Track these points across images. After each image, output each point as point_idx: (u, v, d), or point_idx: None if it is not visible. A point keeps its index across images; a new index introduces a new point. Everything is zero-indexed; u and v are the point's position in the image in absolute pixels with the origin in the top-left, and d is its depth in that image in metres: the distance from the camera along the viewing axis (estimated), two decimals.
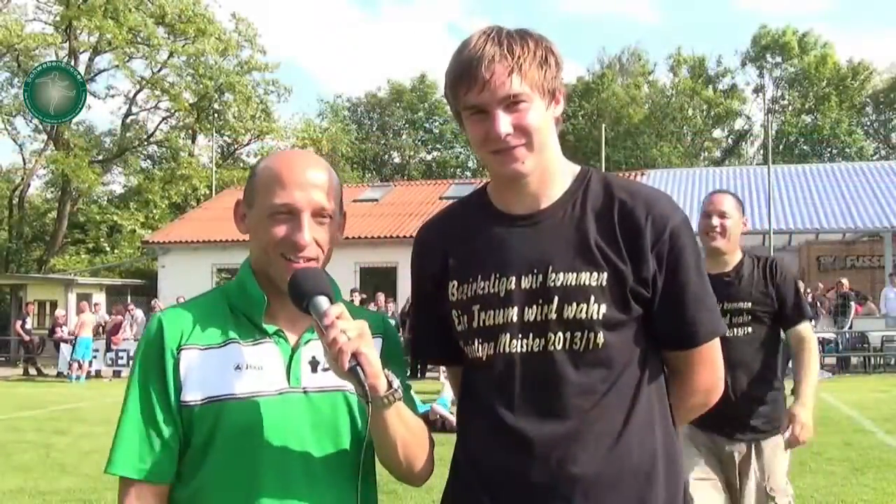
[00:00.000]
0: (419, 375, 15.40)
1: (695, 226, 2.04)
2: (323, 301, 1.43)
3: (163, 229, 29.28)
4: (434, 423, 8.68)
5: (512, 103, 1.50)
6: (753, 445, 3.31)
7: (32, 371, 21.03)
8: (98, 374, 20.08)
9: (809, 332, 3.44)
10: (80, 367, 19.18)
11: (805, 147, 45.24)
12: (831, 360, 17.70)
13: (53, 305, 25.23)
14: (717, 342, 1.64)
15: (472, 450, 1.61)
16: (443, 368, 1.78)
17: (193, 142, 41.45)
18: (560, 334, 1.53)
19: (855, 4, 74.34)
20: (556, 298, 1.53)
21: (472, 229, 1.65)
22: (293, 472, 1.49)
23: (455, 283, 1.62)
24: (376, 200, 26.15)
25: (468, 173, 45.95)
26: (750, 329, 3.27)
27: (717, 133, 49.43)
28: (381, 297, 18.71)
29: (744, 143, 49.48)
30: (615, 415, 1.53)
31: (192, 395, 1.50)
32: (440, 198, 24.95)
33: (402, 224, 23.46)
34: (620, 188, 1.60)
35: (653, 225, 1.55)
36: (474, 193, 1.73)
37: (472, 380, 1.63)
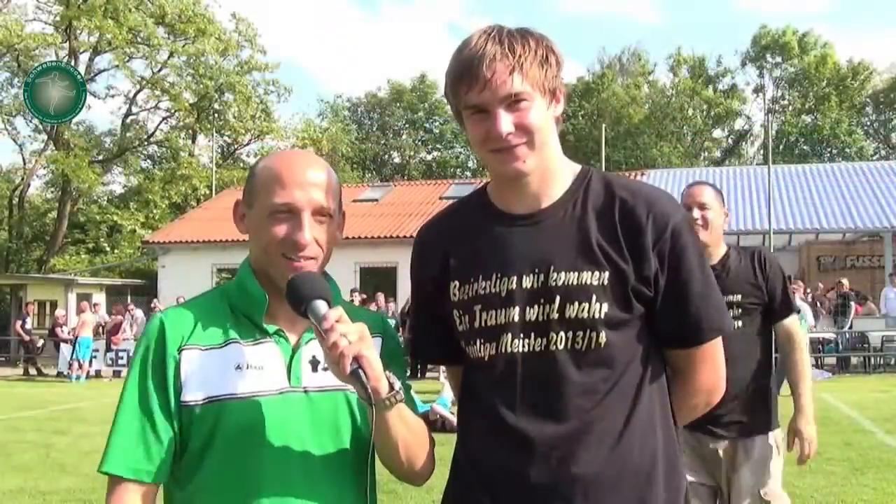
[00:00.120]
0: (419, 375, 15.41)
1: None
2: (321, 305, 1.43)
3: (163, 229, 29.28)
4: (434, 423, 8.68)
5: (513, 102, 1.50)
6: (741, 444, 3.20)
7: (32, 371, 21.03)
8: (98, 374, 20.09)
9: (797, 327, 3.38)
10: (80, 367, 19.19)
11: (805, 147, 45.23)
12: (831, 360, 17.70)
13: (53, 305, 25.23)
14: (719, 341, 1.64)
15: (472, 450, 1.61)
16: (443, 368, 1.78)
17: (193, 142, 41.46)
18: (562, 334, 1.53)
19: (855, 4, 74.42)
20: (557, 298, 1.53)
21: (473, 229, 1.65)
22: (293, 471, 1.48)
23: (456, 283, 1.62)
24: (376, 200, 26.15)
25: (468, 173, 45.95)
26: (740, 323, 3.17)
27: (717, 133, 49.44)
28: (381, 297, 18.70)
29: (744, 143, 49.50)
30: (616, 415, 1.53)
31: (192, 396, 1.50)
32: (440, 198, 24.95)
33: (402, 224, 23.45)
34: (621, 187, 1.60)
35: (654, 223, 1.54)
36: (474, 193, 1.72)
37: (473, 380, 1.63)
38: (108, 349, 20.29)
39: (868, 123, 48.35)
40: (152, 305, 21.40)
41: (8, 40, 33.66)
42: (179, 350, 1.52)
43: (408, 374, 1.72)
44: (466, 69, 1.50)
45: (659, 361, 1.62)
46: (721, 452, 3.22)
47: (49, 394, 16.00)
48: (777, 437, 3.28)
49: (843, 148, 44.28)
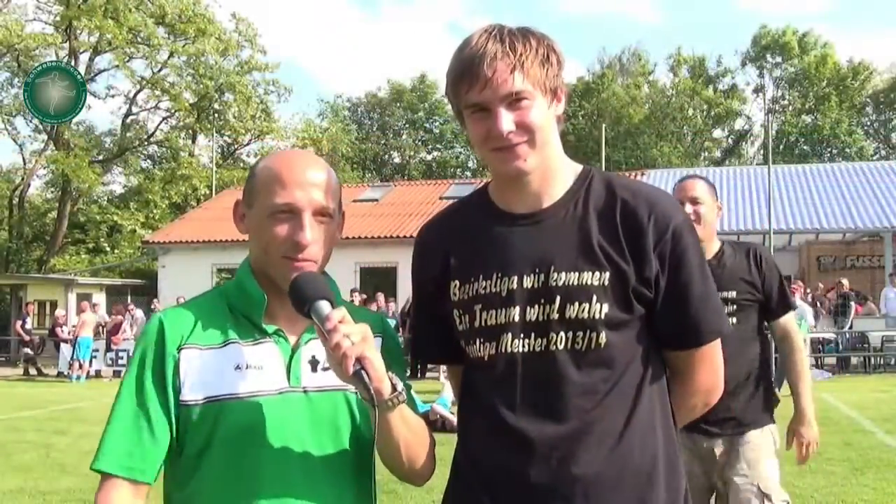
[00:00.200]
0: (419, 375, 15.40)
1: None
2: (325, 305, 1.43)
3: (163, 229, 29.28)
4: (434, 423, 8.68)
5: (514, 101, 1.50)
6: (736, 440, 3.14)
7: (32, 371, 21.02)
8: (98, 374, 20.09)
9: (794, 324, 3.33)
10: (80, 367, 19.19)
11: (805, 147, 45.24)
12: (831, 360, 17.71)
13: (53, 305, 25.25)
14: (717, 343, 1.64)
15: (472, 450, 1.61)
16: (443, 368, 1.78)
17: (193, 142, 41.47)
18: (562, 334, 1.52)
19: (855, 4, 74.42)
20: (558, 298, 1.52)
21: (474, 229, 1.64)
22: (293, 471, 1.48)
23: (457, 282, 1.62)
24: (376, 200, 26.15)
25: (468, 173, 45.96)
26: (735, 320, 3.10)
27: (717, 133, 49.43)
28: (381, 297, 18.70)
29: (744, 143, 49.50)
30: (616, 415, 1.53)
31: (191, 395, 1.49)
32: (440, 198, 24.95)
33: (402, 224, 23.45)
34: (623, 187, 1.60)
35: (655, 224, 1.54)
36: (475, 193, 1.72)
37: (473, 379, 1.63)
38: (108, 349, 20.29)
39: (868, 123, 48.35)
40: (152, 306, 21.40)
41: (8, 40, 33.66)
42: (179, 349, 1.51)
43: (408, 374, 1.71)
44: (467, 68, 1.50)
45: (659, 362, 1.61)
46: (717, 451, 3.17)
47: (49, 394, 16.00)
48: (773, 431, 3.23)
49: (843, 148, 44.28)
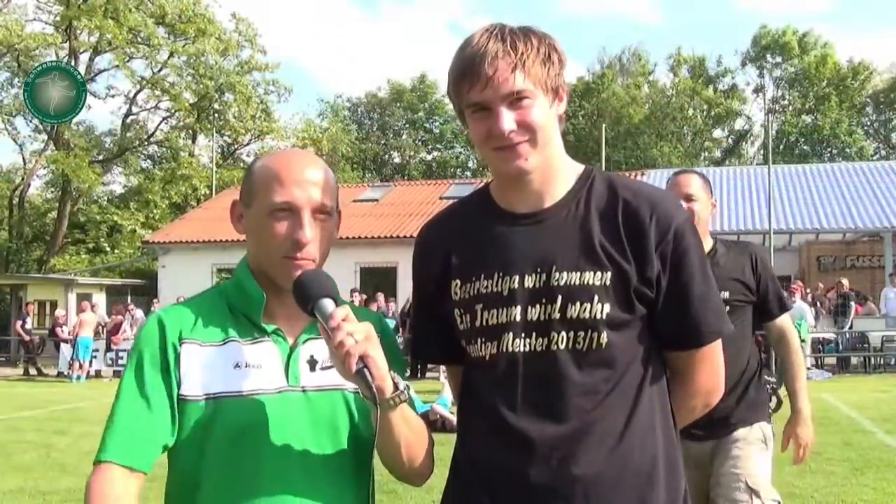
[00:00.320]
0: (419, 375, 15.40)
1: None
2: (329, 304, 1.43)
3: (163, 229, 29.28)
4: (434, 423, 8.67)
5: (515, 100, 1.49)
6: (725, 440, 3.08)
7: (32, 371, 21.04)
8: (98, 374, 20.09)
9: (790, 324, 3.30)
10: (80, 367, 19.18)
11: (805, 147, 45.24)
12: (831, 360, 17.71)
13: (53, 305, 25.24)
14: (718, 344, 1.64)
15: (472, 450, 1.60)
16: (443, 368, 1.77)
17: (193, 142, 41.48)
18: (563, 334, 1.52)
19: (855, 4, 74.42)
20: (559, 298, 1.52)
21: (475, 228, 1.64)
22: (292, 470, 1.48)
23: (458, 281, 1.62)
24: (376, 200, 26.16)
25: (468, 173, 45.97)
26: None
27: (717, 133, 49.44)
28: (381, 297, 18.70)
29: (744, 143, 49.50)
30: (617, 415, 1.52)
31: (191, 391, 1.49)
32: (440, 198, 24.96)
33: (402, 224, 23.46)
34: (624, 187, 1.59)
35: (657, 224, 1.54)
36: (476, 193, 1.72)
37: (474, 379, 1.62)
38: (108, 349, 20.29)
39: (868, 123, 48.35)
40: (152, 306, 21.40)
41: (8, 40, 33.66)
42: (180, 342, 1.51)
43: (407, 373, 1.72)
44: (468, 67, 1.50)
45: (660, 363, 1.61)
46: (709, 451, 3.12)
47: (49, 394, 16.01)
48: (764, 428, 3.16)
49: (843, 148, 44.29)
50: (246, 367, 1.52)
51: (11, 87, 37.11)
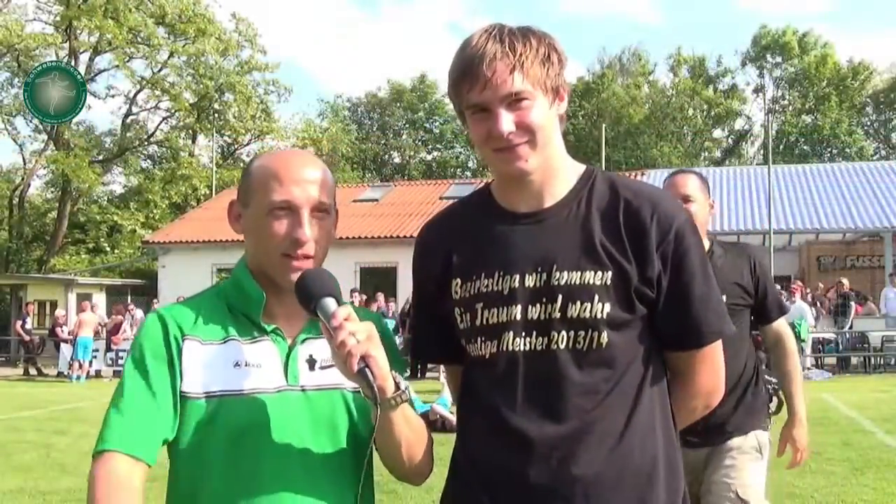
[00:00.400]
0: (419, 375, 15.39)
1: None
2: (331, 303, 1.43)
3: (163, 229, 29.28)
4: (434, 423, 8.67)
5: (514, 101, 1.49)
6: (718, 447, 3.04)
7: (32, 371, 21.03)
8: (98, 374, 20.09)
9: (787, 328, 3.28)
10: (80, 367, 19.18)
11: (805, 147, 45.24)
12: (831, 360, 17.71)
13: (53, 305, 25.24)
14: (719, 344, 1.64)
15: (471, 449, 1.60)
16: (443, 368, 1.77)
17: (193, 142, 41.48)
18: (563, 333, 1.52)
19: (855, 4, 74.41)
20: (560, 297, 1.52)
21: (476, 227, 1.64)
22: (292, 469, 1.48)
23: (458, 280, 1.62)
24: (376, 200, 26.16)
25: (468, 173, 45.96)
26: None
27: (717, 133, 49.43)
28: (381, 297, 18.69)
29: (744, 143, 49.49)
30: (617, 415, 1.52)
31: (192, 388, 1.49)
32: (440, 198, 24.97)
33: (402, 224, 23.46)
34: (626, 187, 1.60)
35: (658, 224, 1.54)
36: (476, 193, 1.72)
37: (474, 378, 1.62)
38: (108, 349, 20.29)
39: (868, 123, 48.35)
40: (152, 306, 21.39)
41: (8, 40, 33.66)
42: (182, 337, 1.52)
43: (407, 373, 1.72)
44: (467, 68, 1.50)
45: (660, 363, 1.61)
46: (703, 459, 3.07)
47: (49, 394, 16.00)
48: (759, 437, 3.12)
49: (843, 148, 44.29)
50: (246, 366, 1.52)
51: (11, 87, 37.18)
